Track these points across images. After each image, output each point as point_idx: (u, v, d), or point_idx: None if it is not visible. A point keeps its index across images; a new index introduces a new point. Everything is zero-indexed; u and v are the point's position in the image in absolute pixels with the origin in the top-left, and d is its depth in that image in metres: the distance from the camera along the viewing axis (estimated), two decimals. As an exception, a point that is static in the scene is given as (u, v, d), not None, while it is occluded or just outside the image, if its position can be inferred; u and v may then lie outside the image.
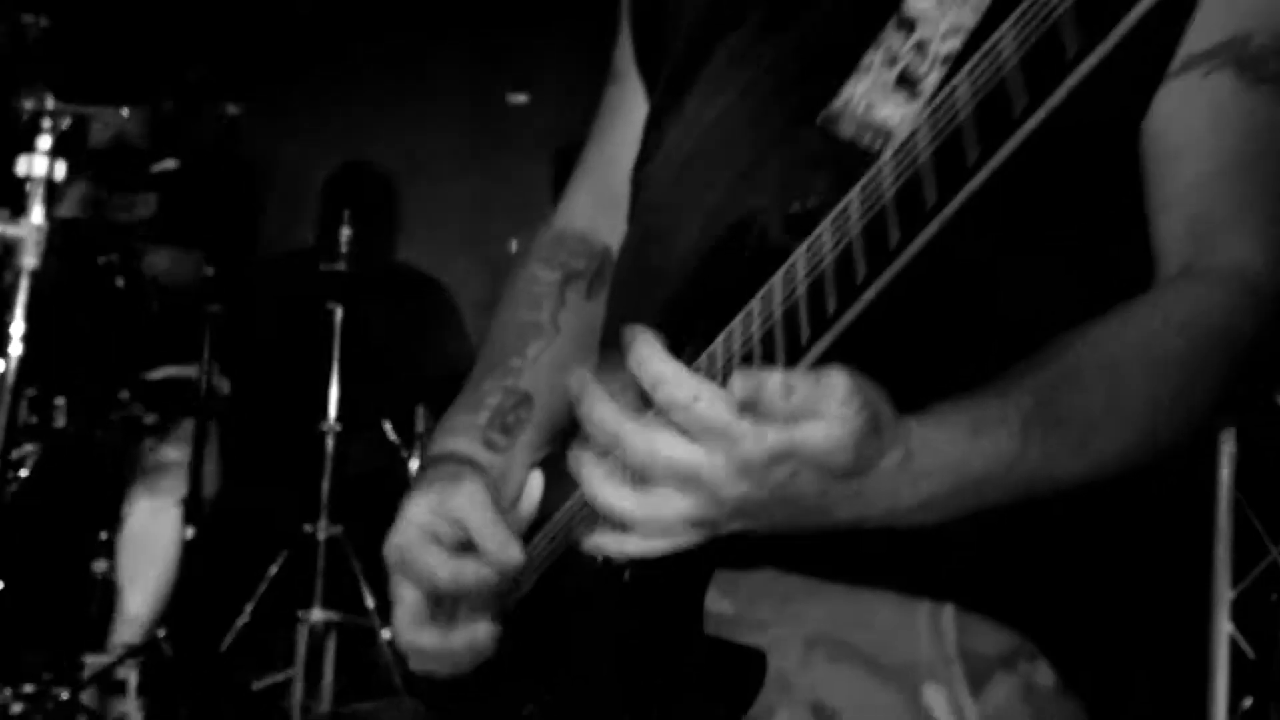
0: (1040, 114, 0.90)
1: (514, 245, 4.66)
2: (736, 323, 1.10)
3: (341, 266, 4.44)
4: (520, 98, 5.60)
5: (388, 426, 4.72)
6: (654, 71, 1.53)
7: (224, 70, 4.47)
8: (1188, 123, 1.18)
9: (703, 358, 1.13)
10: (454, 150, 5.69)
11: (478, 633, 1.28)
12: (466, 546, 1.28)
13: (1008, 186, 0.94)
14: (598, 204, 1.59)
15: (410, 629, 1.31)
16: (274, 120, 5.10)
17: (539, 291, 1.53)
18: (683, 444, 0.98)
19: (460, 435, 1.42)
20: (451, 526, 1.29)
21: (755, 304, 1.09)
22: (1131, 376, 1.08)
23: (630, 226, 1.48)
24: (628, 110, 1.56)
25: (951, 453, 1.02)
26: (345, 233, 4.48)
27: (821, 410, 0.94)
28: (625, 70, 1.58)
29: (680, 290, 1.23)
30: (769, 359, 1.05)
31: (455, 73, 5.64)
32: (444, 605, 1.31)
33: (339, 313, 4.50)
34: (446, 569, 1.27)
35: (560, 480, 1.34)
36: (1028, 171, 0.94)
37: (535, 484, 1.35)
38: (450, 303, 5.23)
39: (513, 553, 1.24)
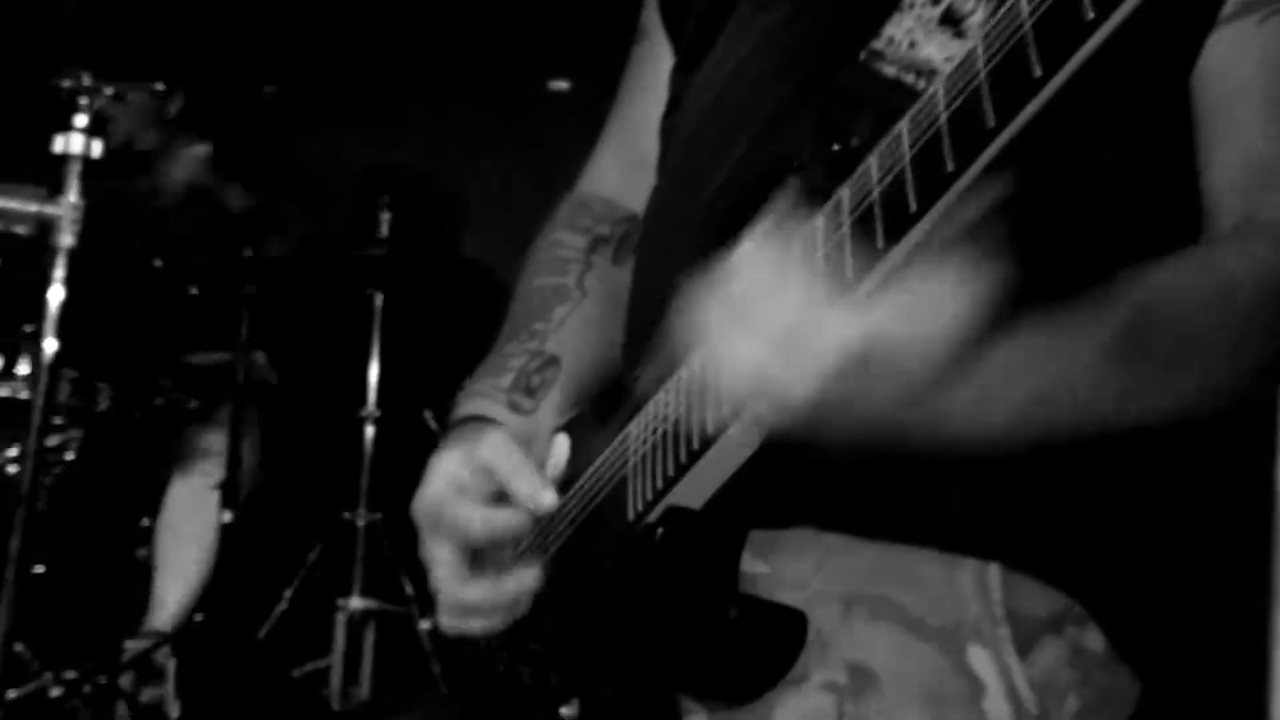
0: (1109, 26, 0.83)
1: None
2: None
3: (381, 253, 4.42)
4: (561, 84, 5.56)
5: (428, 415, 4.68)
6: (679, 23, 1.49)
7: (259, 53, 4.45)
8: (1241, 69, 1.12)
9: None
10: (495, 137, 5.67)
11: (526, 579, 1.23)
12: (497, 498, 1.24)
13: (1065, 114, 0.88)
14: (624, 168, 1.56)
15: (455, 586, 1.26)
16: (310, 106, 5.07)
17: (564, 256, 1.50)
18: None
19: (483, 398, 1.38)
20: (479, 477, 1.25)
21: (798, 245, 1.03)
22: (1193, 320, 1.03)
23: (660, 176, 1.44)
24: (654, 68, 1.52)
25: (1026, 379, 0.97)
26: (385, 218, 4.45)
27: (915, 305, 0.88)
28: (651, 28, 1.55)
29: (716, 236, 1.18)
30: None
31: (495, 59, 5.61)
32: (481, 559, 1.26)
33: (379, 299, 4.47)
34: (479, 520, 1.23)
35: (586, 442, 1.30)
36: (1087, 100, 0.88)
37: (561, 446, 1.31)
38: (491, 289, 5.19)
39: (545, 496, 1.20)
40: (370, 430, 4.44)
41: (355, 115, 5.60)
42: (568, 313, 1.44)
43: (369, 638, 4.29)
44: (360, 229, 4.59)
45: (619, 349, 1.41)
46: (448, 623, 1.29)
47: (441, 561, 1.27)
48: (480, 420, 1.36)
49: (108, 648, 3.77)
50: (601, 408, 1.32)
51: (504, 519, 1.23)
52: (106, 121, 3.45)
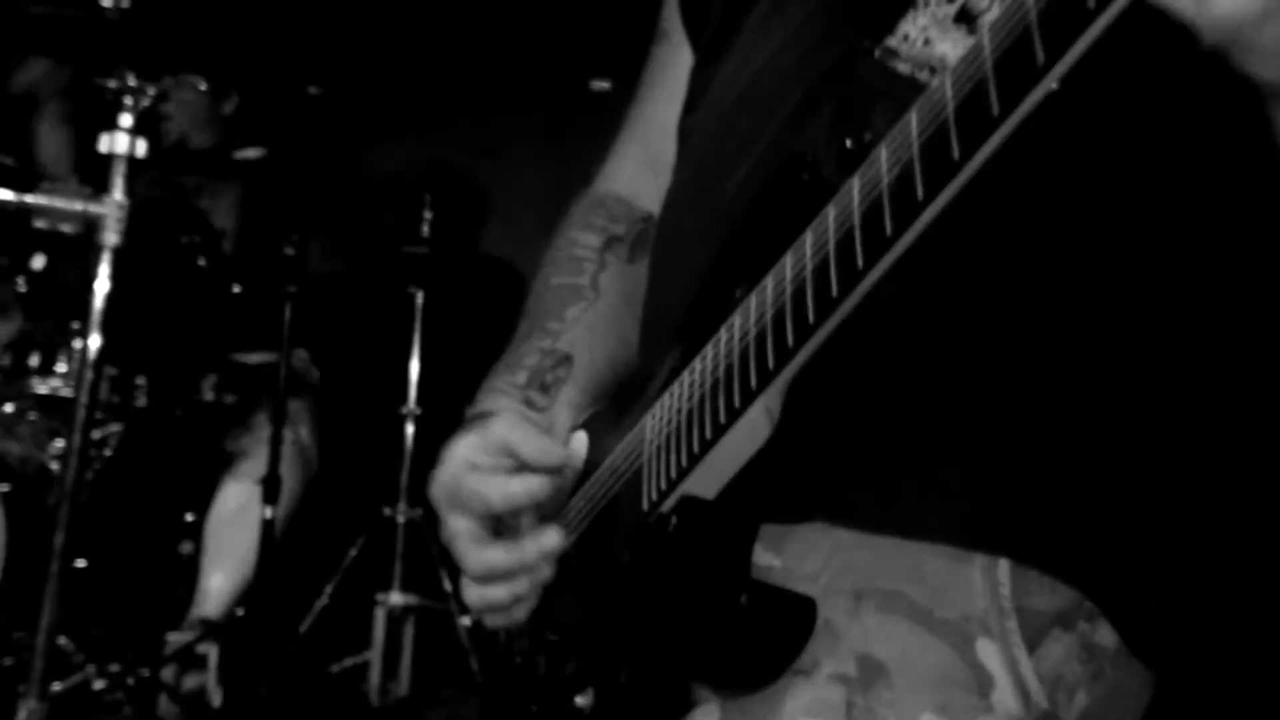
0: (1113, 9, 0.83)
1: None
2: (788, 255, 1.05)
3: (422, 251, 4.45)
4: (603, 84, 5.56)
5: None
6: (699, 23, 1.49)
7: (301, 53, 4.48)
8: None
9: (752, 295, 1.09)
10: (536, 137, 5.68)
11: (547, 538, 1.24)
12: (513, 472, 1.26)
13: (1075, 102, 0.88)
14: (640, 168, 1.56)
15: (477, 551, 1.28)
16: (353, 106, 5.11)
17: (579, 255, 1.51)
18: None
19: (500, 395, 1.40)
20: (493, 455, 1.27)
21: (808, 234, 1.04)
22: None
23: (677, 173, 1.45)
24: (673, 69, 1.53)
25: None
26: (426, 217, 4.49)
27: None
28: (671, 28, 1.56)
29: (731, 233, 1.19)
30: (822, 289, 1.00)
31: (536, 59, 5.63)
32: (501, 529, 1.28)
33: (420, 297, 4.51)
34: (496, 487, 1.25)
35: (604, 437, 1.31)
36: (1099, 88, 0.88)
37: (579, 442, 1.33)
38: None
39: (554, 452, 1.22)
40: (410, 427, 4.47)
41: (397, 114, 5.63)
42: (581, 311, 1.46)
43: (408, 633, 4.32)
44: (401, 228, 4.63)
45: (633, 346, 1.43)
46: (473, 595, 1.30)
47: (461, 533, 1.29)
48: (495, 415, 1.38)
49: (150, 641, 3.82)
50: (618, 403, 1.34)
51: (521, 485, 1.25)
52: (161, 119, 3.49)
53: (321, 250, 4.31)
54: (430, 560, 4.29)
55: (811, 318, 1.00)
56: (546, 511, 1.30)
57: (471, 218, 5.35)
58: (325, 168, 4.77)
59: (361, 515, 4.45)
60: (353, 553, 4.38)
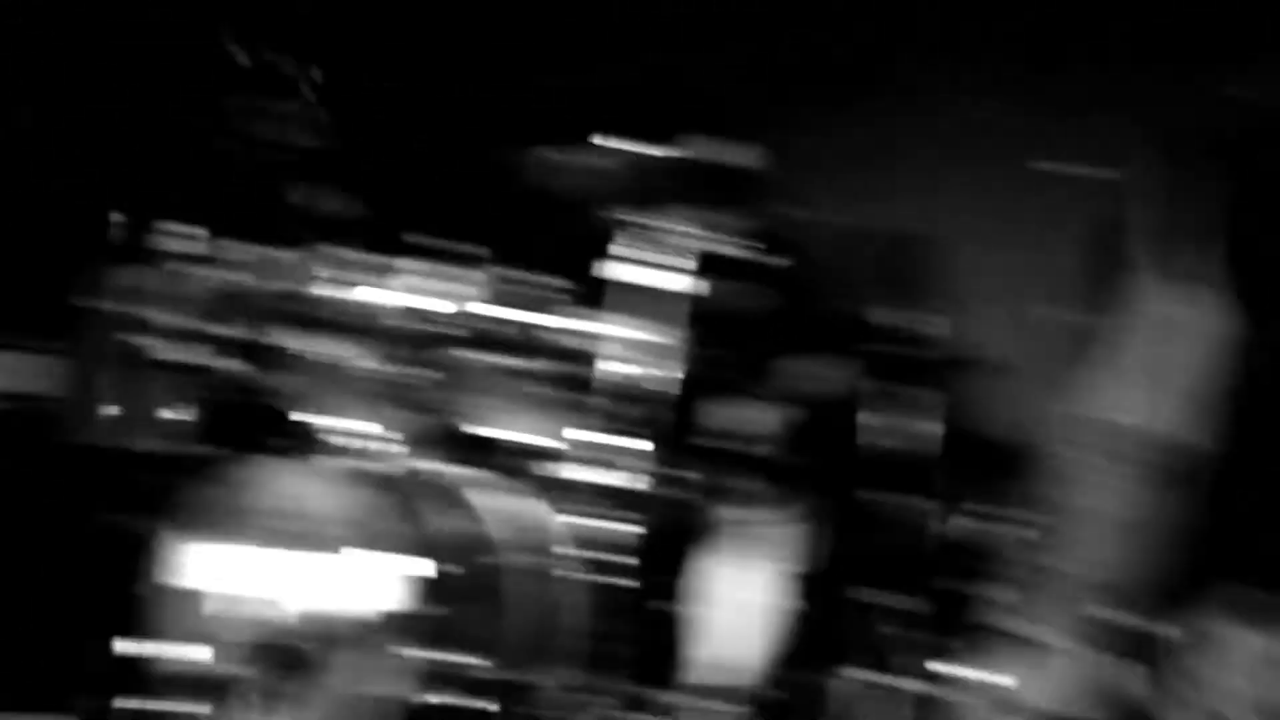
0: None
1: (1050, 316, 4.58)
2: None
3: (937, 355, 4.58)
4: (1052, 165, 5.50)
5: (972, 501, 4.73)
6: (1179, 264, 1.51)
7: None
8: None
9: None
10: (983, 217, 5.67)
11: None
12: None
13: None
14: (1142, 393, 1.61)
15: None
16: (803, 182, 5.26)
17: (1103, 482, 1.59)
18: None
19: (1039, 622, 1.49)
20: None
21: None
22: None
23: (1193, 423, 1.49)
24: (1150, 301, 1.57)
25: None
26: (883, 311, 4.67)
27: None
28: (1146, 260, 1.58)
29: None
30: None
31: (985, 137, 5.64)
32: None
33: (934, 396, 4.63)
34: None
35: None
36: None
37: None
38: (994, 376, 5.20)
39: None
40: (918, 518, 4.58)
41: (845, 189, 5.69)
42: (1110, 538, 1.54)
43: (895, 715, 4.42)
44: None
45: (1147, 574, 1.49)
46: None
47: None
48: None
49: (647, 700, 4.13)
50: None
51: None
52: None
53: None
54: (922, 646, 4.38)
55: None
56: None
57: (926, 302, 5.40)
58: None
59: (862, 595, 4.59)
60: (863, 632, 4.51)
